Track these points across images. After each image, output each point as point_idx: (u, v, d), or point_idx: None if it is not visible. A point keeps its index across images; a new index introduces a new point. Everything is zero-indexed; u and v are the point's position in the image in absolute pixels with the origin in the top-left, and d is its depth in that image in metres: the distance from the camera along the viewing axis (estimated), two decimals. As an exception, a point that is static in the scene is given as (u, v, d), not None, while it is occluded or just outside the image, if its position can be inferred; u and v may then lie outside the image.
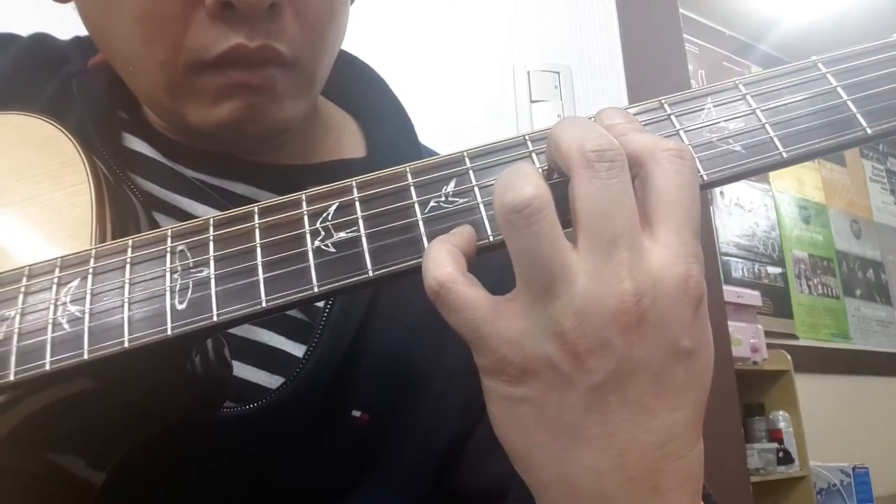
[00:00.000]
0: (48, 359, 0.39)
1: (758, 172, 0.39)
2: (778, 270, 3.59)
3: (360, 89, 0.69)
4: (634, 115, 0.41)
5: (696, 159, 0.39)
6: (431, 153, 0.67)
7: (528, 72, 1.44)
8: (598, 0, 1.54)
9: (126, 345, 0.38)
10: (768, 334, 2.99)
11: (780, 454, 2.83)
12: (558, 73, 1.45)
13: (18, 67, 0.63)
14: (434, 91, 1.42)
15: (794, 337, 3.49)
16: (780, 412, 2.94)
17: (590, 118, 0.39)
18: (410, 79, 1.40)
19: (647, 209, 0.35)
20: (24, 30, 0.69)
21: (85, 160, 0.48)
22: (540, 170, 0.38)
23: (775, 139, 0.39)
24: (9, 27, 0.69)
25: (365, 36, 1.41)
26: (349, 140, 0.66)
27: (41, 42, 0.66)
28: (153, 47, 0.50)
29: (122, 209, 0.48)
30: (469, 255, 0.37)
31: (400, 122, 0.67)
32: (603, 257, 0.34)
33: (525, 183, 0.34)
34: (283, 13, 0.50)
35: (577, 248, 0.34)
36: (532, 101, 1.43)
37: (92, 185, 0.47)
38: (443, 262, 0.35)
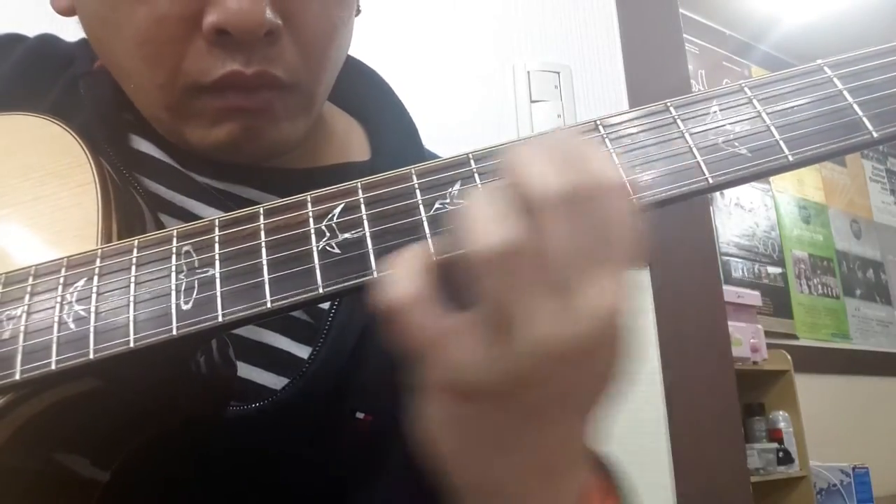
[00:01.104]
0: (54, 358, 0.39)
1: (764, 176, 0.39)
2: (778, 270, 3.59)
3: (365, 93, 0.69)
4: (639, 117, 0.41)
5: (703, 164, 0.39)
6: (434, 157, 0.67)
7: (528, 72, 1.44)
8: (598, 0, 1.54)
9: (132, 344, 0.38)
10: (768, 334, 3.00)
11: (780, 454, 2.83)
12: (558, 73, 1.45)
13: (25, 68, 0.63)
14: (434, 91, 1.42)
15: (794, 337, 3.49)
16: (780, 412, 2.94)
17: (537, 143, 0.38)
18: (411, 79, 1.40)
19: (601, 247, 0.35)
20: (23, 30, 0.69)
21: (91, 160, 0.48)
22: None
23: (781, 142, 0.39)
24: (8, 27, 0.69)
25: (365, 36, 1.42)
26: (354, 143, 0.66)
27: (48, 43, 0.66)
28: (152, 70, 0.50)
29: (128, 210, 0.48)
30: (429, 272, 0.36)
31: (404, 125, 0.67)
32: (564, 300, 0.34)
33: (500, 227, 0.34)
34: (281, 39, 0.50)
35: (532, 290, 0.34)
36: (532, 101, 1.43)
37: (98, 185, 0.47)
38: (403, 279, 0.35)
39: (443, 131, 1.37)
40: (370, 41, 1.38)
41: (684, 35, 1.66)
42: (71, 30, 0.62)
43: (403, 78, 1.39)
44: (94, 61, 0.62)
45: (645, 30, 1.54)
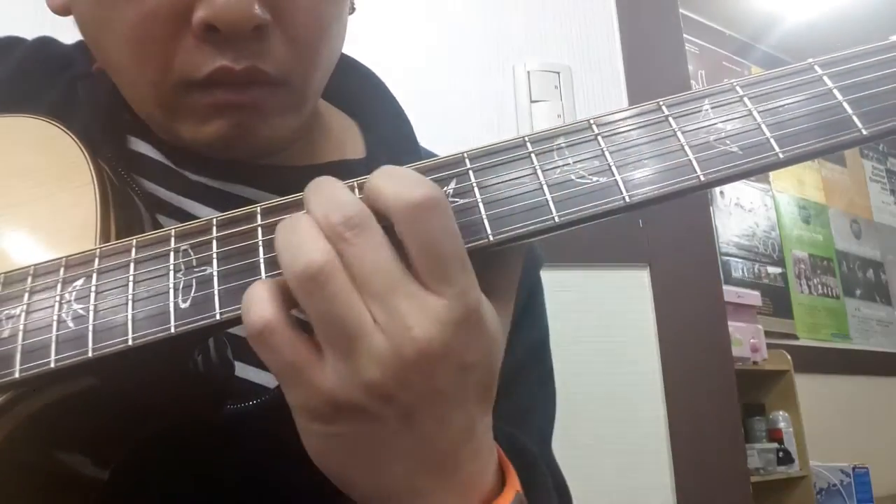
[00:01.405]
0: (53, 357, 0.39)
1: (754, 173, 0.40)
2: (778, 270, 3.59)
3: (360, 91, 0.69)
4: (632, 116, 0.42)
5: (695, 161, 0.40)
6: (430, 155, 0.67)
7: (528, 72, 1.44)
8: (598, 0, 1.54)
9: (130, 343, 0.39)
10: (768, 334, 3.00)
11: (780, 454, 2.84)
12: (558, 73, 1.45)
13: (23, 71, 0.63)
14: (434, 91, 1.42)
15: (794, 337, 3.49)
16: (780, 412, 2.95)
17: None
18: (411, 79, 1.40)
19: (411, 262, 0.37)
20: (23, 32, 0.69)
21: (89, 162, 0.48)
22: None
23: (772, 140, 0.40)
24: (8, 29, 0.69)
25: (365, 36, 1.42)
26: (349, 141, 0.66)
27: (46, 46, 0.67)
28: (143, 67, 0.51)
29: (126, 210, 0.48)
30: (281, 298, 0.37)
31: (399, 124, 0.68)
32: (389, 310, 0.36)
33: (313, 248, 0.36)
34: (270, 34, 0.50)
35: (350, 304, 0.36)
36: (532, 101, 1.43)
37: (96, 186, 0.47)
38: (265, 301, 0.37)
39: (442, 131, 1.38)
40: (370, 41, 1.39)
41: (684, 35, 1.66)
42: (70, 32, 0.63)
43: (403, 78, 1.39)
44: (92, 63, 0.62)
45: (645, 30, 1.54)
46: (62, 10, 0.56)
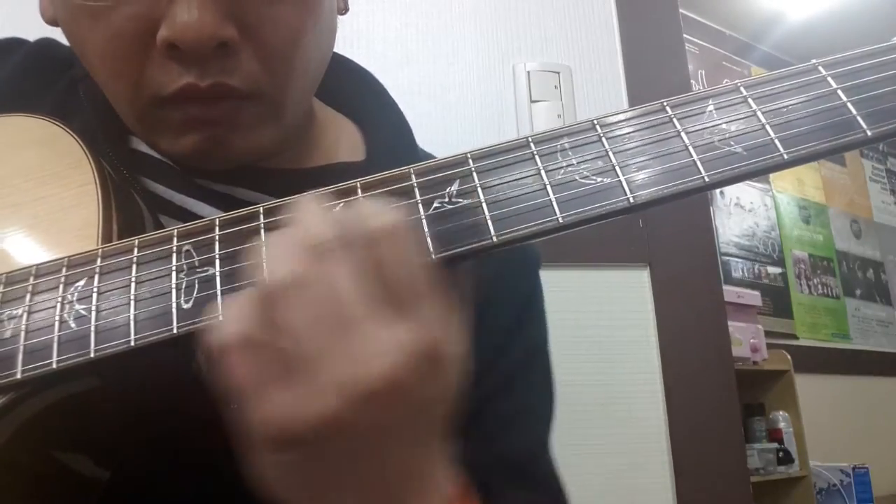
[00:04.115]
0: (55, 357, 0.39)
1: (759, 174, 0.40)
2: (778, 270, 3.59)
3: (358, 93, 0.69)
4: (636, 117, 0.42)
5: (699, 162, 0.40)
6: (429, 156, 0.67)
7: (528, 72, 1.44)
8: (598, 0, 1.54)
9: (132, 343, 0.39)
10: (768, 334, 3.00)
11: (780, 454, 2.83)
12: (558, 73, 1.45)
13: (25, 71, 0.64)
14: (434, 91, 1.42)
15: (794, 337, 3.49)
16: (780, 412, 2.94)
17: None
18: (411, 79, 1.40)
19: (370, 289, 0.35)
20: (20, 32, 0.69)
21: (91, 161, 0.48)
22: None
23: (776, 141, 0.40)
24: (7, 31, 0.70)
25: (365, 36, 1.42)
26: (348, 143, 0.66)
27: (47, 47, 0.67)
28: (117, 83, 0.52)
29: (128, 210, 0.48)
30: (256, 313, 0.36)
31: (398, 125, 0.68)
32: (360, 335, 0.34)
33: (294, 260, 0.35)
34: (240, 50, 0.50)
35: (320, 324, 0.35)
36: (532, 101, 1.43)
37: (98, 185, 0.47)
38: (245, 311, 0.35)
39: (443, 132, 1.38)
40: (369, 41, 1.39)
41: (684, 35, 1.66)
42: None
43: (403, 78, 1.39)
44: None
45: (645, 30, 1.54)
46: (52, 22, 0.57)
